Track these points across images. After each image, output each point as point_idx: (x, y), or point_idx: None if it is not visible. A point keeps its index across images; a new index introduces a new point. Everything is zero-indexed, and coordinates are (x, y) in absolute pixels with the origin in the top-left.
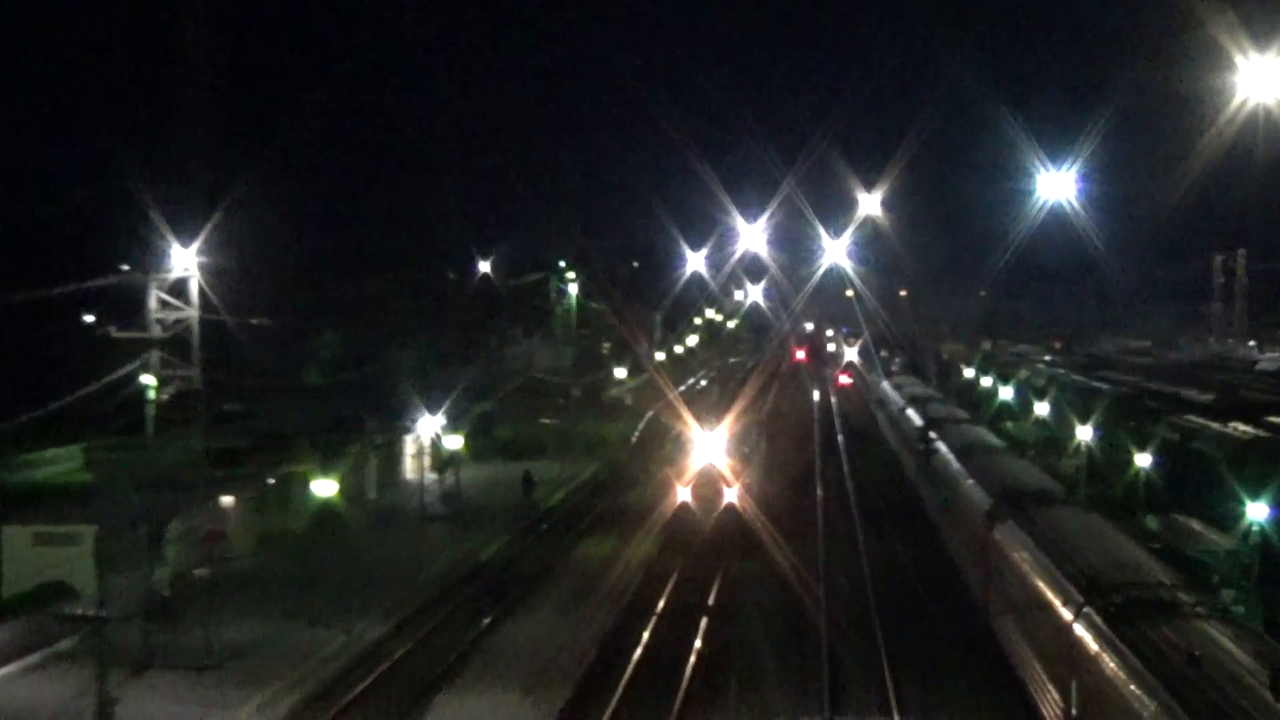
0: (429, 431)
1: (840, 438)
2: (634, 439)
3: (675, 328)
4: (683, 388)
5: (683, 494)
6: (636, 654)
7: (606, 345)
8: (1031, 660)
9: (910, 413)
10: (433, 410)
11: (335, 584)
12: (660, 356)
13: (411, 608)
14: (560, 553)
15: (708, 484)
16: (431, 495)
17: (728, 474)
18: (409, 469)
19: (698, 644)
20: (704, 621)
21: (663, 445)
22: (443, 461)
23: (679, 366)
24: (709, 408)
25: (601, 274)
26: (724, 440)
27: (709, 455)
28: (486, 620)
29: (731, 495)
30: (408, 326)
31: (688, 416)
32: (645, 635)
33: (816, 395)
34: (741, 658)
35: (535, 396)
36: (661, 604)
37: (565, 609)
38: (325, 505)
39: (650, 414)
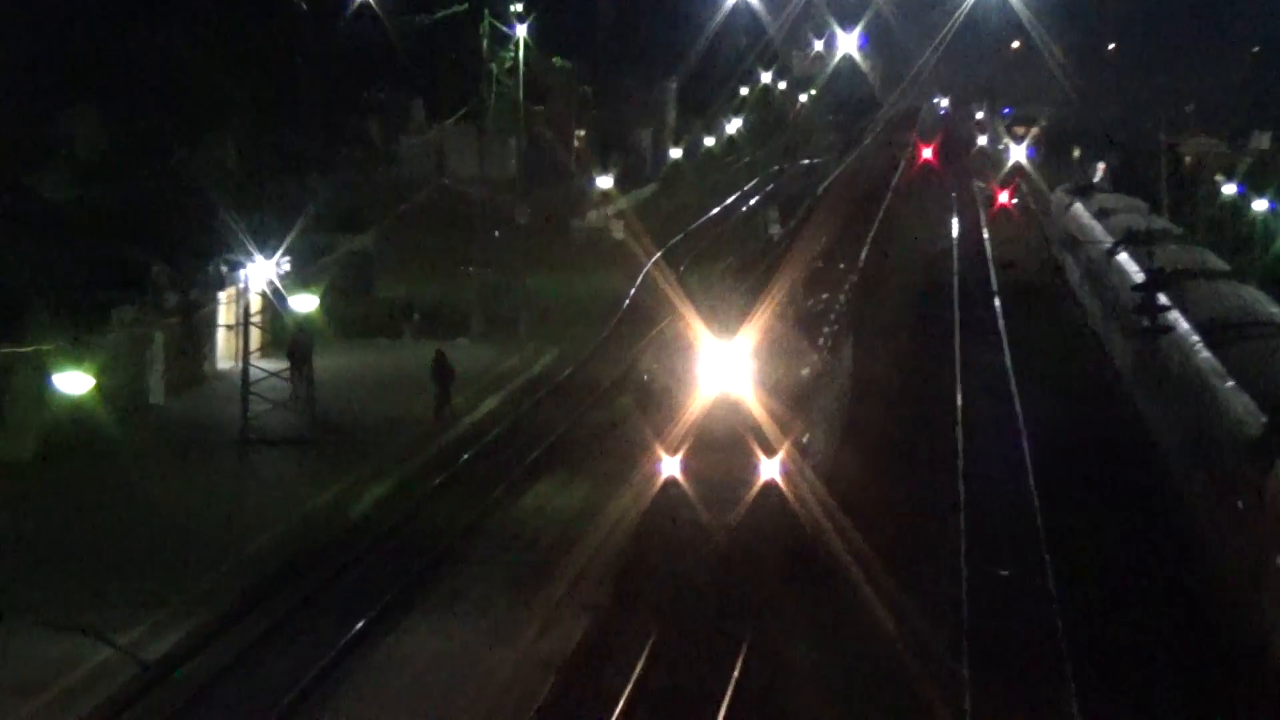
0: (260, 287)
1: (997, 303)
2: (627, 303)
3: (704, 107)
4: (717, 210)
5: (669, 466)
6: (626, 690)
7: (579, 136)
8: None
9: (1124, 260)
10: (266, 249)
11: (94, 554)
12: (676, 154)
13: (228, 599)
14: (490, 507)
15: (723, 446)
16: (265, 402)
17: (765, 424)
18: (223, 354)
19: (736, 675)
20: (747, 636)
21: (677, 322)
22: (292, 341)
23: (703, 175)
24: (749, 264)
25: (571, 12)
26: (765, 348)
27: (728, 383)
28: (358, 626)
29: (772, 469)
30: (222, 101)
31: (690, 302)
32: (640, 657)
33: (956, 227)
34: (810, 699)
35: (451, 226)
36: (670, 597)
37: (498, 607)
38: (75, 415)
39: (658, 257)
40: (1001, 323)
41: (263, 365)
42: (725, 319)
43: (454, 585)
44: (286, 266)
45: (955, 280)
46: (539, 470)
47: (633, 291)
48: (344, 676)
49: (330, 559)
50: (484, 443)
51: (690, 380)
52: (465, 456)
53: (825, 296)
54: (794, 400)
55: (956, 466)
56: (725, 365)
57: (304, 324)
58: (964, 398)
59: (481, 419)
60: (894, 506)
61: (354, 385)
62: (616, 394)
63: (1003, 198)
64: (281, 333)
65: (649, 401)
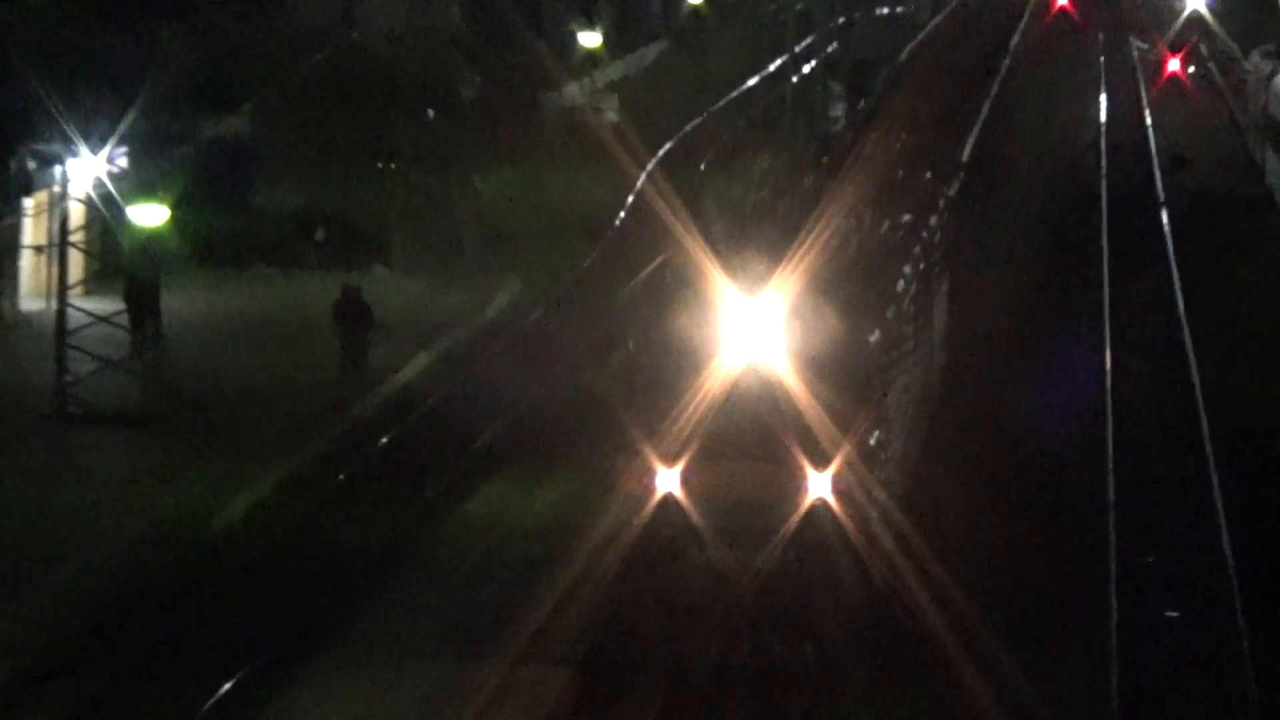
0: (84, 191)
1: (1165, 220)
2: (621, 218)
3: None
4: (753, 82)
5: (668, 481)
6: None
7: None
8: None
9: None
10: (93, 137)
11: None
12: None
13: (31, 651)
14: (420, 518)
15: (749, 450)
16: (92, 359)
17: (813, 417)
18: (30, 290)
19: None
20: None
21: (686, 258)
22: (131, 272)
23: (734, 29)
24: (799, 165)
25: None
26: (815, 302)
27: (759, 354)
28: (223, 690)
29: (823, 487)
30: None
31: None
32: None
33: (1104, 108)
34: None
35: (365, 103)
36: (678, 652)
37: (434, 662)
38: None
39: (666, 152)
40: (1171, 249)
41: (88, 306)
42: (758, 254)
43: (369, 631)
44: (123, 162)
45: (1104, 187)
46: (490, 465)
47: (629, 200)
48: None
49: (185, 592)
50: (411, 420)
51: (702, 349)
52: (384, 440)
53: (908, 219)
54: (857, 381)
55: (1106, 490)
56: (755, 326)
57: (149, 246)
58: (1114, 370)
59: (408, 385)
60: (1005, 544)
61: (224, 335)
62: (601, 352)
63: (1173, 65)
64: (116, 259)
65: (639, 380)
